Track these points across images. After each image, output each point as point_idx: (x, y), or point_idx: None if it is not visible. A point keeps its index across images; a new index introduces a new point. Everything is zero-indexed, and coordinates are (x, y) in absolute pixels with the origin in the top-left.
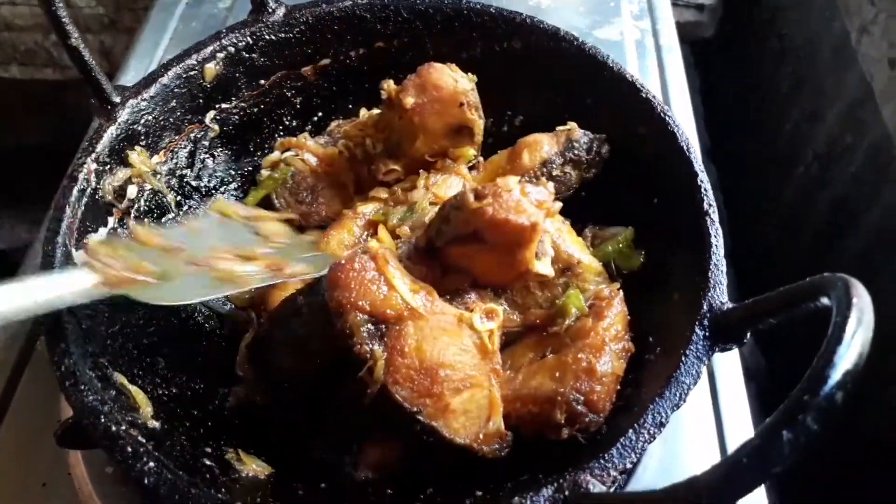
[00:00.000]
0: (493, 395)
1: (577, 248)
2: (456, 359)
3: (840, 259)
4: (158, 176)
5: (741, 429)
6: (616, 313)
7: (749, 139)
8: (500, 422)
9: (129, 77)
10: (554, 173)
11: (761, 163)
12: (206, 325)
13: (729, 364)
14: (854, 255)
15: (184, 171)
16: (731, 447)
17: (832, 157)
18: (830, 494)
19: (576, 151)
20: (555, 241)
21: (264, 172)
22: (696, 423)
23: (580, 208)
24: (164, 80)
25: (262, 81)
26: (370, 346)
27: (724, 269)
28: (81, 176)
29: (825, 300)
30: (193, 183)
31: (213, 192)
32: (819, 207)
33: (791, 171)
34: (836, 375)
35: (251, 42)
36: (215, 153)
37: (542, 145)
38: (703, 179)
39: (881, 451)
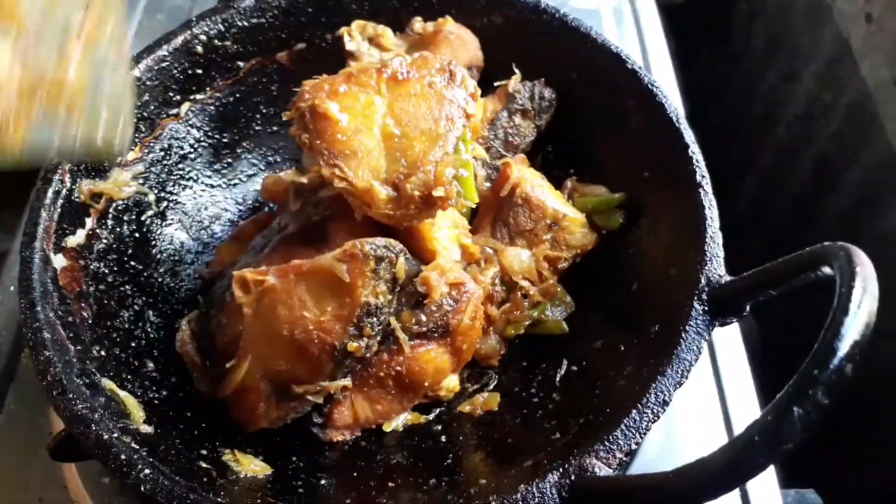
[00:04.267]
0: None
1: (560, 202)
2: None
3: (823, 219)
4: (133, 183)
5: (744, 402)
6: None
7: (727, 103)
8: None
9: None
10: (505, 128)
11: (741, 126)
12: None
13: (728, 334)
14: (837, 214)
15: (160, 166)
16: (736, 421)
17: (812, 117)
18: (829, 462)
19: (518, 102)
20: (539, 197)
21: None
22: (697, 397)
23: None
24: (136, 73)
25: (237, 70)
26: None
27: (721, 241)
28: (56, 177)
29: (827, 270)
30: (171, 177)
31: (192, 184)
32: (800, 168)
33: (771, 133)
34: (844, 347)
35: (223, 29)
36: (192, 146)
37: (486, 106)
38: (695, 150)
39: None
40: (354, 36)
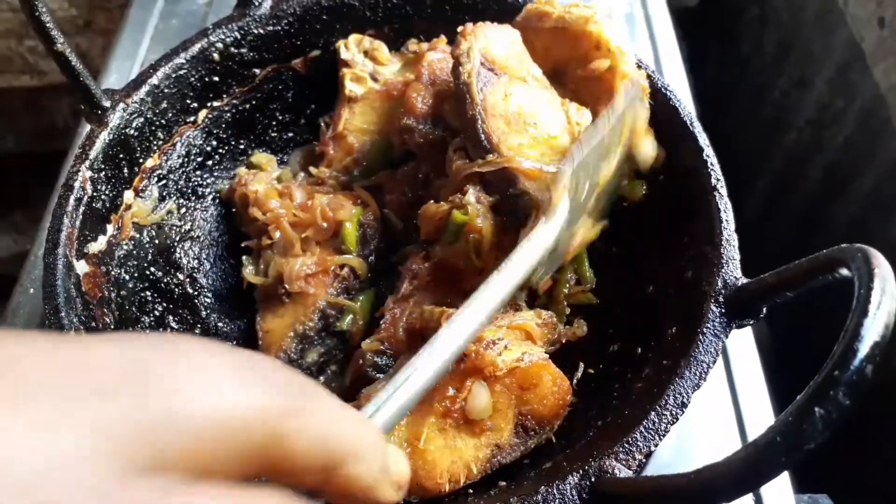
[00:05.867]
0: None
1: None
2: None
3: (834, 224)
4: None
5: (758, 404)
6: None
7: (738, 107)
8: None
9: (111, 79)
10: None
11: (751, 130)
12: (217, 330)
13: (742, 337)
14: (848, 220)
15: (179, 173)
16: (749, 422)
17: (823, 122)
18: (843, 467)
19: None
20: None
21: None
22: (710, 399)
23: None
24: (154, 80)
25: (253, 77)
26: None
27: (736, 244)
28: (77, 184)
29: (845, 271)
30: (190, 184)
31: (210, 190)
32: (811, 173)
33: (782, 137)
34: (864, 349)
35: (239, 37)
36: (209, 152)
37: None
38: (710, 154)
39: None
40: (350, 47)
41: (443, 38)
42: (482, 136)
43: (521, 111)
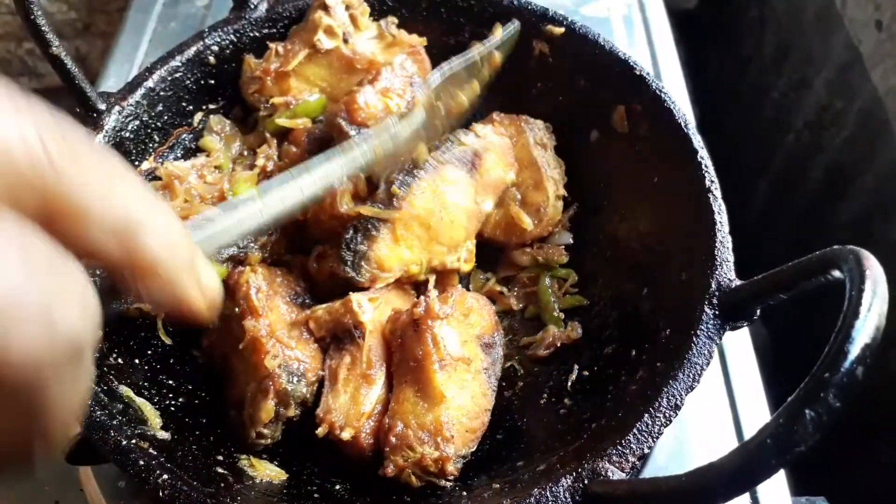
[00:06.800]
0: None
1: None
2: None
3: (835, 226)
4: None
5: (755, 406)
6: None
7: (737, 109)
8: None
9: (110, 82)
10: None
11: (751, 132)
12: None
13: (738, 339)
14: (849, 221)
15: None
16: (746, 425)
17: (822, 124)
18: (840, 470)
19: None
20: None
21: None
22: (707, 402)
23: (576, 187)
24: (150, 83)
25: None
26: None
27: (730, 245)
28: None
29: (837, 273)
30: None
31: None
32: (811, 175)
33: (782, 139)
34: (855, 350)
35: (235, 40)
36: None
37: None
38: (704, 156)
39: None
40: None
41: (423, 40)
42: None
43: None
